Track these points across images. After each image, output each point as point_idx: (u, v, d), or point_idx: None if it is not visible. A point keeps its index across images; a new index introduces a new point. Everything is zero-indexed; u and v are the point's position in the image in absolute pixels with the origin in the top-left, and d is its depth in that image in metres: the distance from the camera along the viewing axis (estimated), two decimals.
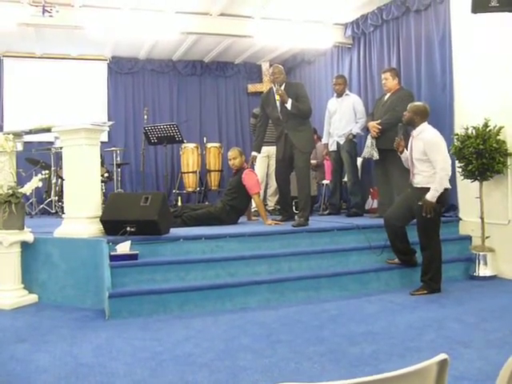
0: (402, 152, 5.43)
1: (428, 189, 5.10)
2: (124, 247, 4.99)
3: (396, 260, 5.67)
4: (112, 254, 4.92)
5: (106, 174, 8.76)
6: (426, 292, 5.19)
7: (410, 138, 5.40)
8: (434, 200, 5.03)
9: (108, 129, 5.70)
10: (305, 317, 4.58)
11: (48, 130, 5.80)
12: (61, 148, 6.05)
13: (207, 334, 4.11)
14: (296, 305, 4.99)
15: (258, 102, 7.23)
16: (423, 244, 5.26)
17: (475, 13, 4.94)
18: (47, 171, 6.82)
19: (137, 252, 5.02)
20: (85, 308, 4.98)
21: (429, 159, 5.09)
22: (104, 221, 5.33)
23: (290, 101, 6.23)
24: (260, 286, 5.12)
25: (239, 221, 6.72)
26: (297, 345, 3.81)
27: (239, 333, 4.13)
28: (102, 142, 5.88)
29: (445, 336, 3.93)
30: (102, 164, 8.31)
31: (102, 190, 7.97)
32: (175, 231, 5.62)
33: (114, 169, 9.09)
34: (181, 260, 5.17)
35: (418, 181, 5.24)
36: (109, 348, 3.78)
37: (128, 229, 5.20)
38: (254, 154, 6.79)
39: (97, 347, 3.80)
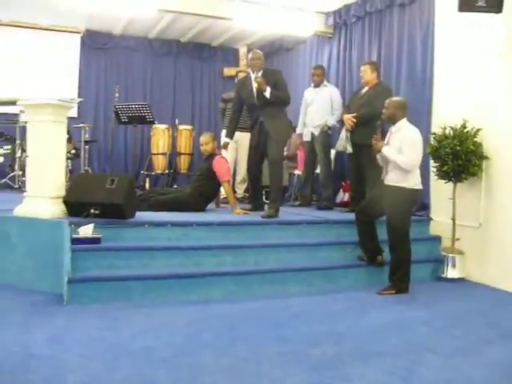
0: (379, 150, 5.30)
1: (400, 188, 5.03)
2: (86, 230, 4.78)
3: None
4: (74, 236, 4.71)
5: (74, 151, 8.51)
6: (393, 292, 5.12)
7: (388, 133, 5.30)
8: (382, 152, 5.13)
9: (76, 106, 5.47)
10: (269, 312, 4.48)
11: (13, 103, 5.56)
12: (26, 122, 5.79)
13: (168, 327, 3.96)
14: (261, 299, 4.86)
15: (233, 87, 7.03)
16: (392, 244, 5.18)
17: (461, 11, 4.86)
18: (9, 146, 6.54)
19: (99, 236, 4.82)
20: (43, 291, 4.74)
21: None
22: (67, 202, 5.11)
23: (268, 89, 6.03)
24: (225, 277, 4.98)
25: (207, 207, 6.55)
26: (259, 343, 3.69)
27: (201, 327, 3.99)
28: (71, 118, 5.66)
29: (411, 341, 3.85)
30: (70, 140, 8.06)
31: (68, 167, 7.78)
32: (140, 215, 5.42)
33: (82, 146, 8.81)
34: (145, 246, 4.99)
35: (391, 178, 5.15)
36: (63, 337, 3.60)
37: (92, 211, 4.98)
38: (226, 140, 6.61)
39: (50, 336, 3.61)
